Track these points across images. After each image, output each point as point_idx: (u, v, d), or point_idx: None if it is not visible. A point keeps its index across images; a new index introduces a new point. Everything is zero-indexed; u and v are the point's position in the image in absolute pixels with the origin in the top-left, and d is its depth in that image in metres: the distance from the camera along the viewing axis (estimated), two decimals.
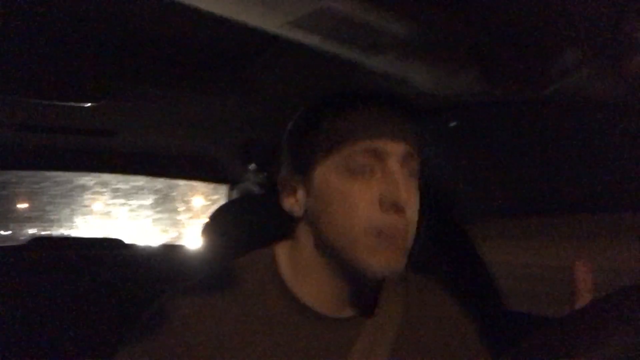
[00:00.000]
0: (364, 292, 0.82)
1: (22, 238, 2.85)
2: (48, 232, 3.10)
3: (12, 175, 2.94)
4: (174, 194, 3.55)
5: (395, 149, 0.74)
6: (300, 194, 0.79)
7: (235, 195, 2.53)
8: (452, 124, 1.31)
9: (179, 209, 3.56)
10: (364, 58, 0.93)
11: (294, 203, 0.81)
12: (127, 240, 2.45)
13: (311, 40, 0.86)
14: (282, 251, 0.84)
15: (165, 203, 3.55)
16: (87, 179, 3.14)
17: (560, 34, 0.79)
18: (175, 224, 3.57)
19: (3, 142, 1.84)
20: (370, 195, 0.72)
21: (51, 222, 3.17)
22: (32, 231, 3.04)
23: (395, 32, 0.81)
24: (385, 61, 0.95)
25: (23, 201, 3.11)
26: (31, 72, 1.19)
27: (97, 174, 2.91)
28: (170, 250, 2.43)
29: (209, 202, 3.45)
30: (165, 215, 3.55)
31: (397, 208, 0.71)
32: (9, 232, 3.12)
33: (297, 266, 0.81)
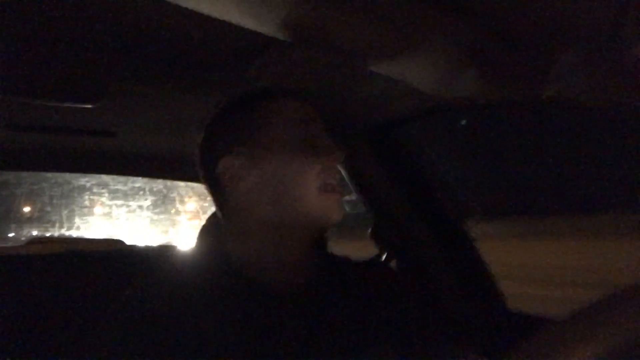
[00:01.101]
0: (306, 265, 0.87)
1: (23, 239, 2.85)
2: (48, 233, 3.09)
3: (11, 176, 2.94)
4: (173, 195, 3.55)
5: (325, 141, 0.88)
6: (242, 176, 0.86)
7: None
8: (462, 122, 1.31)
9: (178, 210, 3.56)
10: (363, 59, 0.93)
11: (234, 184, 0.88)
12: (127, 241, 2.45)
13: (307, 42, 0.86)
14: (231, 236, 0.90)
15: (164, 204, 3.55)
16: (86, 180, 3.13)
17: (560, 34, 0.79)
18: (175, 225, 3.57)
19: (2, 143, 1.84)
20: (317, 181, 0.83)
21: (51, 223, 3.17)
22: (35, 232, 3.04)
23: (394, 33, 0.81)
24: (384, 62, 0.95)
25: (27, 204, 3.11)
26: (30, 73, 1.19)
27: (96, 175, 2.91)
28: (169, 251, 2.43)
29: (207, 204, 3.45)
30: (164, 217, 3.55)
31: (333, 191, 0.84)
32: (13, 234, 3.12)
33: (241, 247, 0.87)
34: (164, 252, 2.34)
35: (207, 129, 0.95)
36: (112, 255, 2.12)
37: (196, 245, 1.01)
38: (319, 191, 0.82)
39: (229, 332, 0.77)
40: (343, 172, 1.59)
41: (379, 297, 0.90)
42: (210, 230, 1.02)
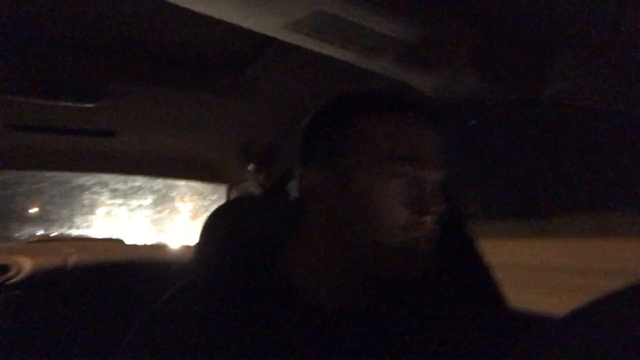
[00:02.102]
0: (372, 290, 0.83)
1: (23, 238, 2.85)
2: (48, 232, 3.10)
3: (11, 176, 2.94)
4: (173, 194, 3.55)
5: (429, 158, 0.76)
6: (325, 191, 0.79)
7: (234, 195, 2.53)
8: (472, 122, 1.31)
9: (177, 209, 3.56)
10: (364, 60, 0.93)
11: (317, 199, 0.80)
12: (127, 240, 2.45)
13: (310, 42, 0.86)
14: (286, 249, 0.84)
15: (164, 203, 3.55)
16: (86, 179, 3.13)
17: (560, 34, 0.79)
18: (174, 224, 3.57)
19: (1, 142, 1.84)
20: (403, 200, 0.74)
21: (51, 222, 3.17)
22: (35, 231, 3.05)
23: (395, 34, 0.81)
24: (384, 63, 0.95)
25: (32, 205, 3.11)
26: (31, 72, 1.19)
27: (96, 174, 2.91)
28: (169, 250, 2.43)
29: (207, 203, 3.44)
30: (164, 215, 3.55)
31: (428, 210, 0.74)
32: (20, 235, 3.12)
33: (305, 264, 0.81)
34: (172, 253, 2.34)
35: (301, 133, 0.85)
36: (112, 255, 2.12)
37: (219, 249, 0.98)
38: (407, 209, 0.74)
39: (274, 354, 0.73)
40: None
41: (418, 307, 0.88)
42: (233, 234, 0.98)
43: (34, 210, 3.11)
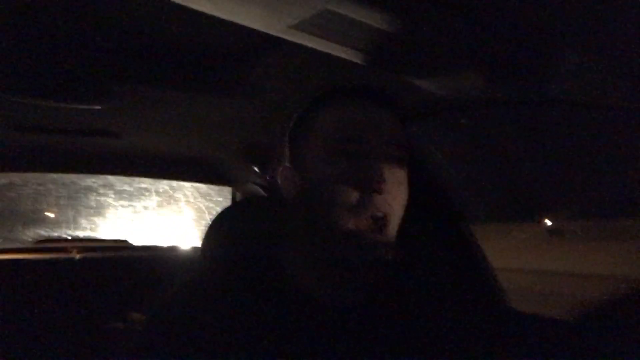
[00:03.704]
0: (365, 279, 0.83)
1: (30, 239, 2.86)
2: (54, 234, 3.11)
3: (18, 177, 2.96)
4: (179, 195, 3.56)
5: (376, 137, 0.77)
6: (298, 184, 0.82)
7: (239, 197, 2.54)
8: (463, 121, 1.32)
9: (183, 211, 3.57)
10: (365, 59, 0.93)
11: (293, 193, 0.84)
12: (133, 242, 2.46)
13: (312, 42, 0.87)
14: (284, 245, 0.87)
15: (169, 205, 3.56)
16: (93, 180, 3.14)
17: (560, 34, 0.79)
18: (180, 225, 3.58)
19: (9, 144, 1.86)
20: (353, 179, 0.75)
21: (57, 224, 3.18)
22: (45, 233, 3.06)
23: (396, 34, 0.82)
24: (386, 62, 0.96)
25: (40, 207, 3.13)
26: (37, 75, 1.20)
27: (102, 176, 2.93)
28: (174, 252, 2.44)
29: (213, 205, 3.45)
30: (169, 217, 3.56)
31: (377, 190, 0.75)
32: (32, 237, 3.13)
33: (296, 258, 0.83)
34: (177, 255, 2.35)
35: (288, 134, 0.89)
36: (118, 256, 2.13)
37: (223, 246, 1.00)
38: (359, 191, 0.75)
39: (275, 346, 0.75)
40: None
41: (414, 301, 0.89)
42: (239, 231, 1.00)
43: (40, 211, 3.13)
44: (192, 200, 3.49)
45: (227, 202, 2.75)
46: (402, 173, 0.81)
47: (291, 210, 0.85)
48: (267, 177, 2.08)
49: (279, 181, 0.87)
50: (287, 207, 0.86)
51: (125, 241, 2.48)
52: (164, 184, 3.43)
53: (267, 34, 0.84)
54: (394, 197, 0.78)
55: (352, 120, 0.79)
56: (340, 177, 0.76)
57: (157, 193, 3.45)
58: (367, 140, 0.77)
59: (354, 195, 0.75)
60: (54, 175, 3.02)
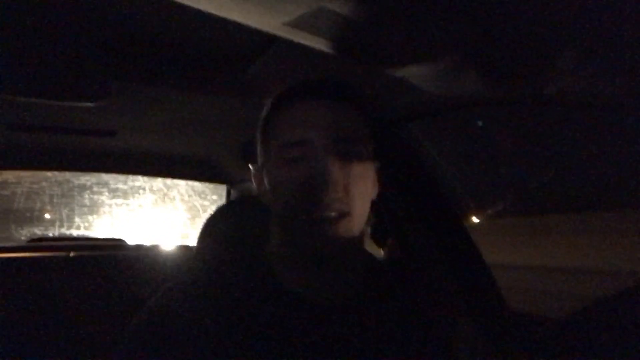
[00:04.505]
0: (343, 276, 0.83)
1: (24, 238, 2.85)
2: (48, 232, 3.10)
3: (12, 175, 2.94)
4: (174, 194, 3.55)
5: (321, 138, 0.77)
6: (261, 184, 0.84)
7: (234, 195, 2.53)
8: (479, 123, 1.32)
9: (178, 209, 3.56)
10: (363, 58, 0.93)
11: (263, 195, 0.85)
12: (128, 240, 2.45)
13: (309, 41, 0.86)
14: (266, 243, 0.88)
15: (164, 203, 3.55)
16: (87, 178, 3.13)
17: (560, 34, 0.79)
18: (175, 224, 3.57)
19: (1, 142, 1.84)
20: (299, 182, 0.76)
21: (51, 222, 3.17)
22: (39, 232, 3.05)
23: (394, 33, 0.82)
24: (384, 61, 0.96)
25: (35, 205, 3.11)
26: (32, 72, 1.19)
27: (96, 174, 2.91)
28: (169, 250, 2.43)
29: (208, 203, 3.45)
30: (164, 215, 3.55)
31: (317, 199, 0.74)
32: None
33: (276, 256, 0.84)
34: (173, 253, 2.34)
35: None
36: (113, 255, 2.12)
37: (215, 246, 1.00)
38: (306, 197, 0.75)
39: (263, 345, 0.75)
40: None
41: (408, 301, 0.89)
42: (231, 231, 1.01)
43: (34, 210, 3.11)
44: (187, 198, 3.49)
45: (222, 201, 2.75)
46: (361, 169, 0.79)
47: (269, 210, 0.86)
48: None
49: (254, 182, 0.88)
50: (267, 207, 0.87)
51: (119, 239, 2.47)
52: (158, 182, 3.42)
53: (263, 32, 0.84)
54: (352, 194, 0.77)
55: (299, 122, 0.79)
56: (291, 181, 0.76)
57: (152, 191, 3.44)
58: (312, 141, 0.77)
59: (305, 198, 0.75)
60: (48, 174, 3.01)
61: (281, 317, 0.78)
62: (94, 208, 3.28)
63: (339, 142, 0.77)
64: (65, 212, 3.19)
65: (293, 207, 0.76)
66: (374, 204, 0.84)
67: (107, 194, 3.31)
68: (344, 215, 0.76)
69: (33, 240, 2.43)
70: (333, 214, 0.75)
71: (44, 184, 3.13)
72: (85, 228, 3.22)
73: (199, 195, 3.52)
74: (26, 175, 3.02)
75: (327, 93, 0.81)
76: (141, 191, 3.45)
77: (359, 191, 0.79)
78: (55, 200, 3.16)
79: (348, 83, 0.83)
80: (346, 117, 0.80)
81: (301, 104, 0.80)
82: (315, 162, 0.75)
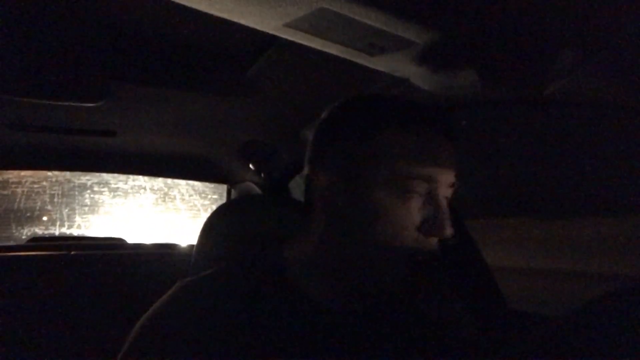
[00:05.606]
0: (374, 290, 0.83)
1: (24, 237, 2.85)
2: (49, 232, 3.10)
3: (12, 175, 2.94)
4: (174, 193, 3.55)
5: (445, 178, 0.76)
6: (336, 197, 0.78)
7: (234, 195, 2.53)
8: (463, 123, 1.32)
9: (178, 209, 3.56)
10: (363, 58, 0.93)
11: (326, 201, 0.80)
12: (128, 240, 2.45)
13: (309, 41, 0.86)
14: (289, 247, 0.85)
15: (165, 202, 3.55)
16: (87, 178, 3.13)
17: (559, 34, 0.79)
18: (175, 223, 3.57)
19: (3, 141, 1.84)
20: (415, 219, 0.74)
21: (52, 222, 3.17)
22: (40, 232, 3.05)
23: (394, 33, 0.81)
24: (384, 61, 0.95)
25: (35, 205, 3.12)
26: (32, 72, 1.19)
27: (97, 174, 2.92)
28: (170, 250, 2.43)
29: (208, 202, 3.44)
30: (165, 215, 3.55)
31: (438, 235, 0.74)
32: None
33: (307, 263, 0.81)
34: (173, 252, 2.34)
35: (314, 134, 0.83)
36: (113, 254, 2.12)
37: (224, 246, 0.98)
38: (417, 230, 0.74)
39: (274, 348, 0.74)
40: None
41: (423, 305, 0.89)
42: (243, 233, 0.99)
43: (34, 209, 3.11)
44: (187, 197, 3.49)
45: (223, 200, 2.74)
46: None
47: (314, 215, 0.83)
48: (263, 175, 2.08)
49: (307, 184, 0.84)
50: (307, 210, 0.84)
51: (120, 239, 2.47)
52: (159, 182, 3.42)
53: (264, 33, 0.83)
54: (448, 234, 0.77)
55: (431, 157, 0.75)
56: (407, 213, 0.74)
57: (153, 190, 3.44)
58: (437, 179, 0.75)
59: (414, 234, 0.74)
60: (49, 173, 3.00)
61: (294, 320, 0.77)
62: (94, 207, 3.28)
63: (453, 184, 0.77)
64: (66, 211, 3.19)
65: (391, 236, 0.73)
66: None
67: (107, 193, 3.31)
68: (434, 252, 0.76)
69: (33, 239, 2.43)
70: (428, 249, 0.75)
71: (44, 183, 3.13)
72: (86, 227, 3.22)
73: (200, 195, 3.52)
74: (27, 175, 3.02)
75: (442, 127, 0.78)
76: (142, 191, 3.45)
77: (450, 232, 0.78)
78: (56, 199, 3.16)
79: (444, 113, 0.82)
80: (455, 157, 0.78)
81: (423, 132, 0.76)
82: (438, 203, 0.75)
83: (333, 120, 0.82)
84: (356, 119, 0.80)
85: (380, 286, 0.79)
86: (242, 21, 0.79)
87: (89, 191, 3.20)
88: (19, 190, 3.04)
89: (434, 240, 0.75)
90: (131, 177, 3.23)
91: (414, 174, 0.73)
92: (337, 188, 0.78)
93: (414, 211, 0.74)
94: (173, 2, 0.72)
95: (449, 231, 0.74)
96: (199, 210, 3.48)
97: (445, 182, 0.76)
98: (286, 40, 0.86)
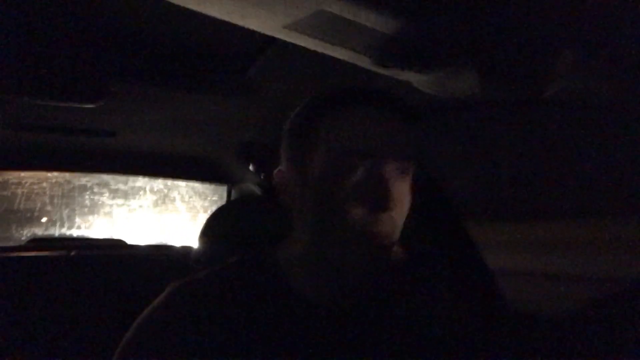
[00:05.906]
0: (364, 285, 0.83)
1: (24, 238, 2.85)
2: (48, 233, 3.10)
3: (12, 176, 2.94)
4: (174, 194, 3.55)
5: (389, 154, 0.75)
6: (297, 188, 0.80)
7: (234, 196, 2.53)
8: (455, 124, 1.32)
9: (178, 210, 3.56)
10: (363, 59, 0.93)
11: (290, 197, 0.82)
12: (128, 241, 2.45)
13: (309, 42, 0.86)
14: (282, 247, 0.86)
15: (164, 204, 3.55)
16: (87, 179, 3.13)
17: (559, 34, 0.79)
18: (175, 224, 3.57)
19: (2, 142, 1.85)
20: (359, 195, 0.73)
21: (52, 223, 3.17)
22: (40, 232, 3.05)
23: (394, 33, 0.81)
24: (384, 63, 0.95)
25: (35, 206, 3.12)
26: (31, 73, 1.19)
27: (97, 175, 2.92)
28: (170, 251, 2.43)
29: (208, 203, 3.44)
30: (164, 216, 3.55)
31: (384, 209, 0.73)
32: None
33: (295, 261, 0.82)
34: (173, 254, 2.34)
35: (281, 135, 0.86)
36: (113, 255, 2.12)
37: (217, 246, 0.99)
38: (362, 206, 0.73)
39: (269, 348, 0.74)
40: None
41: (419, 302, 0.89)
42: (227, 230, 0.99)
43: (34, 210, 3.11)
44: (187, 199, 3.48)
45: (223, 201, 2.74)
46: (407, 185, 0.79)
47: (287, 212, 0.84)
48: (263, 176, 2.08)
49: (274, 182, 0.85)
50: (283, 208, 0.85)
51: (120, 240, 2.47)
52: (159, 183, 3.42)
53: (263, 34, 0.83)
54: (399, 210, 0.77)
55: (364, 133, 0.75)
56: (348, 192, 0.73)
57: (152, 192, 3.43)
58: (379, 155, 0.74)
59: (360, 212, 0.73)
60: (49, 174, 3.00)
61: (288, 319, 0.77)
62: (94, 208, 3.28)
63: (401, 159, 0.76)
64: (65, 212, 3.18)
65: (341, 218, 0.73)
66: None
67: (107, 194, 3.30)
68: (392, 237, 0.76)
69: (33, 240, 2.43)
70: (385, 229, 0.74)
71: (44, 184, 3.13)
72: (86, 228, 3.22)
73: (199, 196, 3.52)
74: (27, 176, 3.02)
75: (382, 101, 0.78)
76: (142, 192, 3.45)
77: (403, 210, 0.78)
78: (55, 200, 3.16)
79: (397, 93, 0.81)
80: (406, 131, 0.78)
81: (364, 110, 0.77)
82: (377, 178, 0.73)
83: (293, 117, 0.85)
84: (300, 110, 0.83)
85: (355, 273, 0.79)
86: (242, 23, 0.79)
87: (88, 192, 3.20)
88: (18, 191, 3.04)
89: (384, 219, 0.74)
90: (131, 178, 3.23)
91: (350, 149, 0.74)
92: (292, 180, 0.81)
93: (358, 187, 0.73)
94: (174, 3, 0.73)
95: (389, 204, 0.73)
96: (198, 211, 3.48)
97: (390, 159, 0.75)
98: (283, 40, 0.86)
